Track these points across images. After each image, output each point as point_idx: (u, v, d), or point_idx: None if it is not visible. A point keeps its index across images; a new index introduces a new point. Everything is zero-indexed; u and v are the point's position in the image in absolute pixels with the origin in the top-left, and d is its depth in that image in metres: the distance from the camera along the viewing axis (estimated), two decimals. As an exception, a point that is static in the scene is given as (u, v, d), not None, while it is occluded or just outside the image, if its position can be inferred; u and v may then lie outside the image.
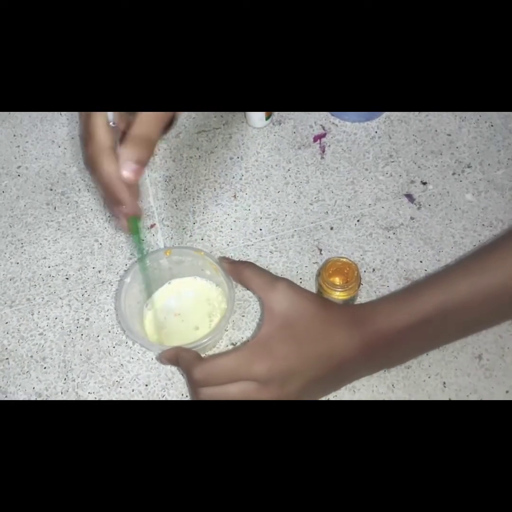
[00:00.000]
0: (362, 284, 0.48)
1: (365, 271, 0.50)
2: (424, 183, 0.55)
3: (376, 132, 0.58)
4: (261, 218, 0.53)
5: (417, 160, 0.56)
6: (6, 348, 0.47)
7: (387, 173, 0.56)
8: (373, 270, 0.50)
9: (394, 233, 0.52)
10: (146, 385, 0.45)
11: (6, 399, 0.45)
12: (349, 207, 0.54)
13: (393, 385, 0.44)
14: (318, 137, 0.58)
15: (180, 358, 0.41)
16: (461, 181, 0.55)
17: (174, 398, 0.44)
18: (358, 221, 0.53)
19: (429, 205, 0.54)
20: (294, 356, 0.38)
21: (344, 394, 0.44)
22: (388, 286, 0.49)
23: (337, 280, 0.46)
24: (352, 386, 0.44)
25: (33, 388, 0.45)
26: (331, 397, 0.44)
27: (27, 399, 0.45)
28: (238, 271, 0.44)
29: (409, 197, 0.54)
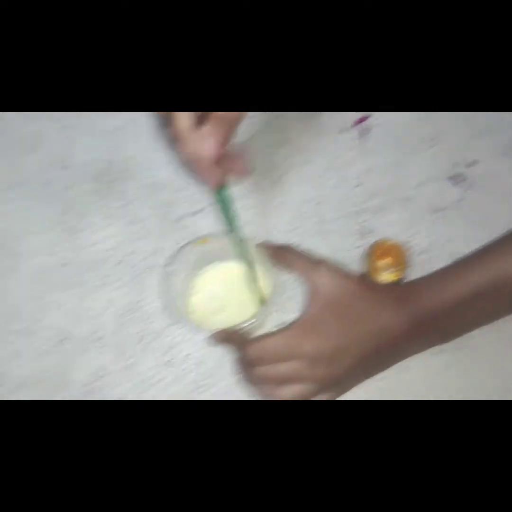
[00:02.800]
0: (410, 267, 0.50)
1: (413, 254, 0.52)
2: (471, 164, 0.56)
3: (419, 113, 0.60)
4: (304, 202, 0.56)
5: (463, 140, 0.58)
6: (64, 331, 0.52)
7: (432, 155, 0.57)
8: (421, 252, 0.52)
9: (441, 215, 0.54)
10: (198, 364, 0.49)
11: (64, 380, 0.49)
12: (393, 190, 0.56)
13: (448, 365, 0.46)
14: (359, 121, 0.61)
15: (232, 339, 0.44)
16: (511, 160, 0.56)
17: (225, 376, 0.48)
18: (404, 203, 0.55)
19: (477, 187, 0.55)
20: (342, 335, 0.41)
21: (394, 374, 0.47)
22: (436, 269, 0.51)
23: (384, 262, 0.48)
24: (406, 365, 0.46)
25: (92, 366, 0.50)
26: (381, 377, 0.46)
27: (84, 378, 0.49)
28: (280, 255, 0.47)
29: (456, 178, 0.56)
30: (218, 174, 0.41)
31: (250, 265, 0.49)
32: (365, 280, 0.44)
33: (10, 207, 0.58)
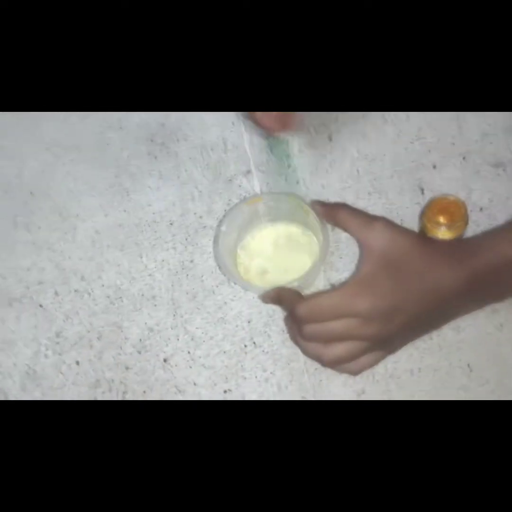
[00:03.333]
0: (469, 224, 0.48)
1: (472, 211, 0.49)
2: (538, 115, 0.52)
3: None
4: (358, 159, 0.54)
5: (530, 90, 0.54)
6: (120, 288, 0.53)
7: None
8: (481, 209, 0.50)
9: (503, 170, 0.51)
10: (249, 322, 0.49)
11: (122, 332, 0.51)
12: (453, 144, 0.53)
13: (501, 325, 0.45)
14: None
15: (283, 296, 0.44)
16: None
17: (275, 334, 0.48)
18: (463, 158, 0.52)
19: (543, 139, 0.51)
20: (396, 293, 0.39)
21: (447, 333, 0.45)
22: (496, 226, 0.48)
23: (442, 219, 0.46)
24: (457, 325, 0.45)
25: (145, 323, 0.51)
26: (434, 335, 0.45)
27: (140, 333, 0.50)
28: (333, 213, 0.46)
29: (521, 131, 0.52)
30: (276, 120, 0.40)
31: (302, 222, 0.48)
32: (421, 237, 0.42)
33: (66, 169, 0.60)
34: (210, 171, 0.57)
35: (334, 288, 0.42)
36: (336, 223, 0.46)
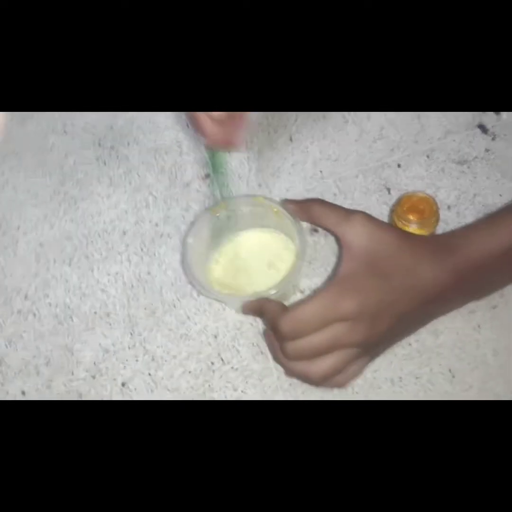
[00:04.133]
0: (439, 222, 0.46)
1: (440, 209, 0.47)
2: (498, 113, 0.52)
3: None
4: (320, 160, 0.52)
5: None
6: (69, 306, 0.48)
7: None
8: (449, 207, 0.48)
9: (468, 167, 0.50)
10: (215, 336, 0.45)
11: (73, 356, 0.45)
12: (416, 142, 0.51)
13: (479, 326, 0.43)
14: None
15: (265, 309, 0.40)
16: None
17: (245, 348, 0.44)
18: (427, 156, 0.50)
19: (505, 135, 0.51)
20: (382, 291, 0.37)
21: (426, 338, 0.43)
22: (466, 223, 0.47)
23: (413, 216, 0.44)
24: (435, 329, 0.43)
25: (100, 344, 0.46)
26: (413, 340, 0.42)
27: (94, 355, 0.45)
28: (306, 208, 0.43)
29: (482, 128, 0.51)
30: (219, 132, 0.36)
31: (273, 225, 0.45)
32: (402, 232, 0.40)
33: (4, 178, 0.54)
34: (165, 176, 0.53)
35: (315, 293, 0.38)
36: (311, 219, 0.42)
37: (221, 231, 0.47)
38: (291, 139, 0.53)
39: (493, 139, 0.50)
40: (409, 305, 0.38)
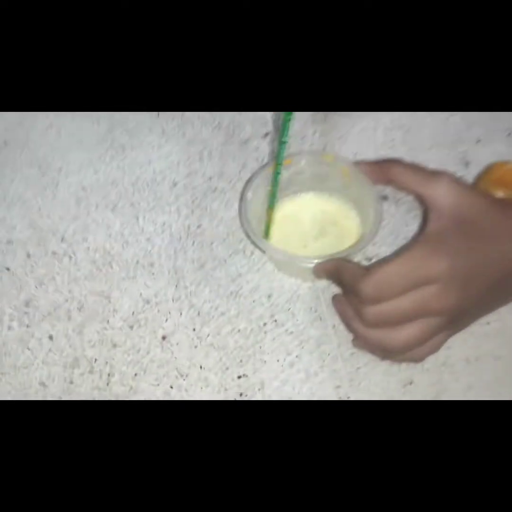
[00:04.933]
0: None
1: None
2: None
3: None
4: (392, 129, 0.48)
5: None
6: (109, 252, 0.44)
7: (538, 86, 0.50)
8: (531, 187, 0.44)
9: (553, 149, 0.46)
10: (269, 297, 0.41)
11: (109, 303, 0.41)
12: (495, 119, 0.48)
13: None
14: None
15: (343, 269, 0.36)
16: None
17: (301, 311, 0.40)
18: (509, 134, 0.47)
19: None
20: (475, 253, 0.33)
21: (506, 317, 0.38)
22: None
23: (501, 190, 0.40)
24: None
25: (141, 293, 0.41)
26: (492, 319, 0.38)
27: (133, 304, 0.41)
28: (384, 169, 0.39)
29: None
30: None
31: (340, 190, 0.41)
32: (491, 195, 0.36)
33: (49, 121, 0.51)
34: (221, 132, 0.49)
35: (400, 253, 0.34)
36: (390, 181, 0.38)
37: (285, 188, 0.43)
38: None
39: None
40: (501, 273, 0.33)
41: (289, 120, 0.37)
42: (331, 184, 0.43)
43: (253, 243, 0.42)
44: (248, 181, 0.43)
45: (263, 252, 0.42)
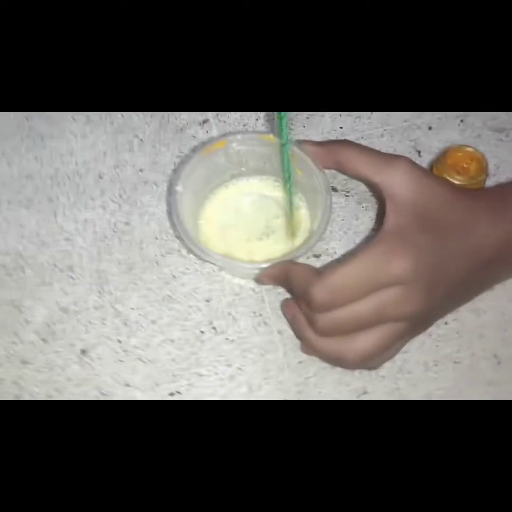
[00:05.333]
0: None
1: (478, 175, 0.41)
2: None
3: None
4: (340, 115, 0.45)
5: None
6: (22, 255, 0.38)
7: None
8: (488, 175, 0.42)
9: (507, 135, 0.44)
10: (207, 301, 0.36)
11: (21, 314, 0.35)
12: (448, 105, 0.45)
13: None
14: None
15: (292, 274, 0.31)
16: None
17: (244, 316, 0.35)
18: (461, 121, 0.44)
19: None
20: (438, 250, 0.29)
21: (466, 316, 0.35)
22: (508, 193, 0.40)
23: (458, 173, 0.37)
24: (475, 307, 0.35)
25: (56, 301, 0.36)
26: (450, 319, 0.35)
27: (48, 315, 0.35)
28: (334, 151, 0.35)
29: (521, 97, 0.46)
30: None
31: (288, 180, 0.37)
32: (452, 183, 0.33)
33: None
34: (155, 118, 0.45)
35: (355, 252, 0.30)
36: (339, 165, 0.34)
37: (215, 177, 0.39)
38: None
39: (534, 108, 0.45)
40: (466, 270, 0.30)
41: (282, 118, 0.33)
42: (275, 167, 0.39)
43: (186, 247, 0.37)
44: (175, 171, 0.38)
45: (198, 257, 0.37)
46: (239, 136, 0.38)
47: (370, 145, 0.42)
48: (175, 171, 0.41)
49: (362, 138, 0.43)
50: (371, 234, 0.38)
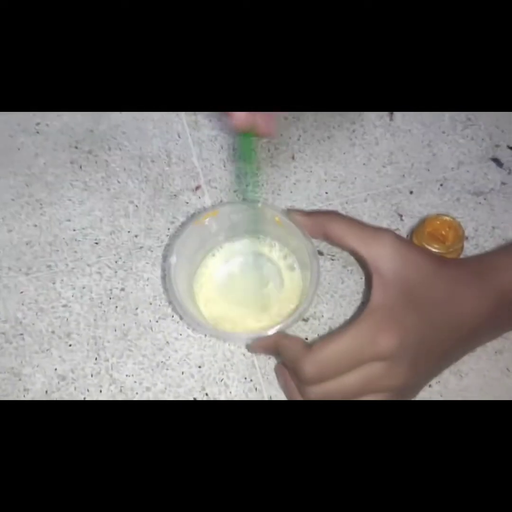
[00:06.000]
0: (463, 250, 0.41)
1: (457, 239, 0.43)
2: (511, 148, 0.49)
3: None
4: (326, 181, 0.47)
5: (500, 124, 0.51)
6: (21, 322, 0.39)
7: (467, 137, 0.50)
8: (466, 238, 0.44)
9: (485, 199, 0.46)
10: (200, 367, 0.37)
11: (20, 381, 0.37)
12: (428, 170, 0.48)
13: (508, 369, 0.37)
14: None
15: (283, 347, 0.33)
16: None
17: (235, 382, 0.37)
18: (441, 185, 0.47)
19: (521, 171, 0.48)
20: (421, 326, 0.31)
21: (448, 379, 0.37)
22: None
23: (437, 242, 0.39)
24: (458, 370, 0.37)
25: (55, 369, 0.37)
26: (433, 382, 0.36)
27: (47, 382, 0.37)
28: (321, 224, 0.36)
29: (497, 161, 0.48)
30: (248, 116, 0.33)
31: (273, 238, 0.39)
32: (434, 255, 0.34)
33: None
34: (149, 185, 0.47)
35: (345, 327, 0.32)
36: (327, 236, 0.36)
37: (208, 242, 0.41)
38: (293, 158, 0.49)
39: (509, 173, 0.48)
40: (450, 342, 0.32)
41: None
42: (265, 228, 0.41)
43: (181, 318, 0.39)
44: (169, 245, 0.40)
45: (193, 328, 0.39)
46: (230, 206, 0.40)
47: (354, 210, 0.45)
48: (169, 238, 0.43)
49: (347, 203, 0.46)
50: (360, 307, 0.40)
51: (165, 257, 0.42)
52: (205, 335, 0.39)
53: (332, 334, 0.31)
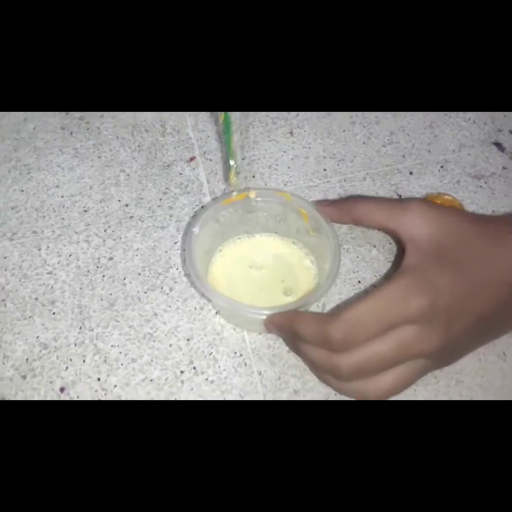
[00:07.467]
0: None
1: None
2: (515, 133, 0.49)
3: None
4: (324, 158, 0.46)
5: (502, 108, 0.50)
6: (3, 288, 0.38)
7: (469, 120, 0.49)
8: (465, 221, 0.43)
9: (485, 182, 0.45)
10: (188, 340, 0.36)
11: (0, 349, 0.35)
12: (429, 151, 0.47)
13: (504, 353, 0.36)
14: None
15: (300, 321, 0.31)
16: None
17: (224, 356, 0.35)
18: (441, 167, 0.46)
19: (522, 156, 0.47)
20: (457, 287, 0.29)
21: (471, 364, 0.36)
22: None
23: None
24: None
25: (37, 337, 0.36)
26: (458, 368, 0.35)
27: (28, 350, 0.35)
28: (348, 209, 0.36)
29: (499, 146, 0.48)
30: None
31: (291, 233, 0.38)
32: (469, 213, 0.33)
33: None
34: (142, 154, 0.45)
35: (374, 291, 0.29)
36: (355, 219, 0.36)
37: (228, 228, 0.39)
38: (291, 133, 0.47)
39: (510, 157, 0.47)
40: (489, 303, 0.30)
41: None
42: (288, 226, 0.40)
43: (195, 287, 0.37)
44: (197, 214, 0.39)
45: (208, 300, 0.38)
46: (257, 193, 0.38)
47: (352, 188, 0.44)
48: (160, 207, 0.42)
49: (345, 180, 0.45)
50: (388, 273, 0.39)
51: (158, 226, 0.41)
52: (196, 306, 0.37)
53: (358, 298, 0.30)
